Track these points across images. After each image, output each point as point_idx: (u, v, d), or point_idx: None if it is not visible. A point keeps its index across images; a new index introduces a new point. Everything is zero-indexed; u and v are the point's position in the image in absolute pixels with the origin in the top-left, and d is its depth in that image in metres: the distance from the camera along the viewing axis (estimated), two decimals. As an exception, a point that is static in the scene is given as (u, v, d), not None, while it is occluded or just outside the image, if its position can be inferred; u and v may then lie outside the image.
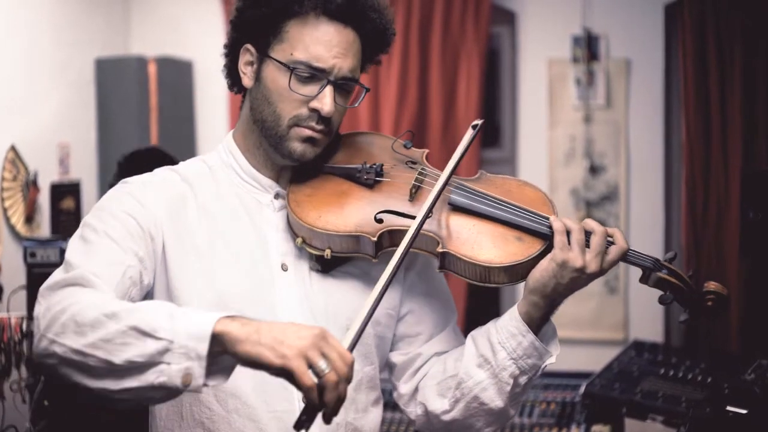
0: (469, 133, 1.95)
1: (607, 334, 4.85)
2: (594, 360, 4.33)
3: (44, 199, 4.60)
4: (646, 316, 4.75)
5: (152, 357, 1.47)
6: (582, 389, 3.70)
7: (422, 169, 1.96)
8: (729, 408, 2.99)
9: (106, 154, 4.95)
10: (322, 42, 1.81)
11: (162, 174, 1.92)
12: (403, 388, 2.03)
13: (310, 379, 1.43)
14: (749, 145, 4.54)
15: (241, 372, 1.71)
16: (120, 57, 5.12)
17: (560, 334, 1.92)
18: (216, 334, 1.46)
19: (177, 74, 5.20)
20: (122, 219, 1.77)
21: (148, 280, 1.80)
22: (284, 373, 1.44)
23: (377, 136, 2.08)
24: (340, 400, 1.45)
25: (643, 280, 1.90)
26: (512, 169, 4.99)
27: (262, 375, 1.59)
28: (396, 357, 2.03)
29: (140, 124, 4.96)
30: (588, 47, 4.82)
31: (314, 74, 1.82)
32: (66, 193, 4.64)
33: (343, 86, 1.87)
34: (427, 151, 2.05)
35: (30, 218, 4.55)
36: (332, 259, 1.87)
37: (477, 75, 4.85)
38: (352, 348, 1.53)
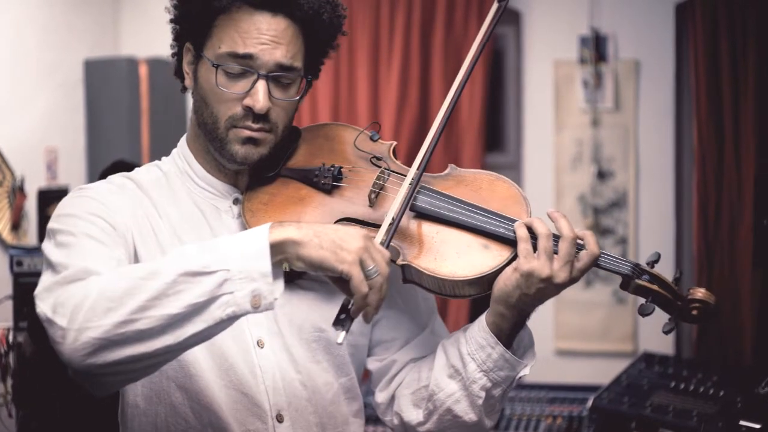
0: (493, 9, 1.85)
1: (616, 346, 4.80)
2: (602, 372, 4.34)
3: (31, 206, 4.64)
4: (656, 328, 4.62)
5: (212, 293, 1.45)
6: (589, 403, 3.74)
7: (385, 168, 1.86)
8: (742, 422, 3.03)
9: (96, 158, 4.96)
10: (248, 32, 1.75)
11: (118, 180, 1.87)
12: (380, 396, 1.99)
13: (366, 286, 1.48)
14: (763, 149, 4.53)
15: (215, 386, 1.74)
16: (110, 58, 5.12)
17: (567, 346, 1.82)
18: (274, 244, 1.47)
19: (169, 76, 5.04)
20: (94, 221, 1.72)
21: None
22: (341, 279, 1.49)
23: (341, 129, 1.98)
24: (383, 298, 1.52)
25: (623, 286, 1.78)
26: (517, 175, 4.98)
27: (235, 390, 1.71)
28: (372, 363, 1.99)
29: (131, 128, 4.96)
30: (596, 48, 4.79)
31: (245, 70, 1.75)
32: (54, 199, 4.63)
33: (280, 79, 1.78)
34: (394, 143, 1.95)
35: (16, 226, 4.56)
36: (292, 272, 1.73)
37: (481, 77, 4.80)
38: (387, 246, 1.61)
